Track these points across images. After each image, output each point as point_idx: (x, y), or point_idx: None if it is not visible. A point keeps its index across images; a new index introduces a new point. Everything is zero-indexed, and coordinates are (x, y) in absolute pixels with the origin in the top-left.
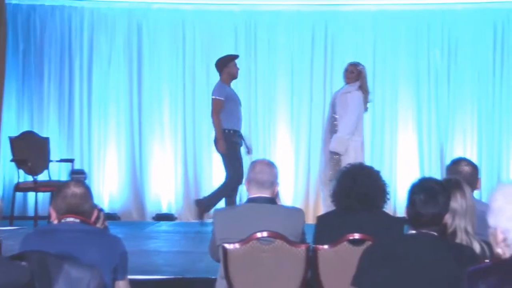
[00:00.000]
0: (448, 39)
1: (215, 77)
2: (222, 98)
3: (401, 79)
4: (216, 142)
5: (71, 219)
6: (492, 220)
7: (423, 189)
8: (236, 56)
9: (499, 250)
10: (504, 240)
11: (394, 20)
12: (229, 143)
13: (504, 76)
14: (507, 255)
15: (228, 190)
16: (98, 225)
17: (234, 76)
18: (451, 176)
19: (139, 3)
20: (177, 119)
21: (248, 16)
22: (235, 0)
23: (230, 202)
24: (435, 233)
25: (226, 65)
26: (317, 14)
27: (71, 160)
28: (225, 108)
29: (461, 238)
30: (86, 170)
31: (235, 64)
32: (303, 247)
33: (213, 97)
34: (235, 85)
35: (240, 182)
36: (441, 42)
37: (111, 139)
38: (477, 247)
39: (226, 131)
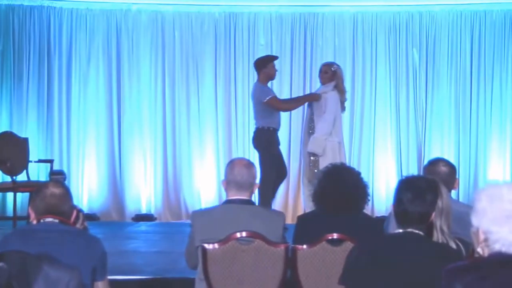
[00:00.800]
0: (426, 40)
1: (194, 77)
2: (272, 95)
3: (379, 79)
4: (257, 141)
5: (50, 219)
6: (475, 220)
7: (411, 187)
8: (275, 57)
9: (479, 250)
10: (485, 240)
11: (373, 20)
12: (269, 141)
13: (481, 76)
14: (487, 255)
15: (266, 188)
16: (78, 225)
17: (271, 77)
18: (428, 177)
19: (119, 3)
20: (156, 119)
21: (228, 17)
22: (215, 1)
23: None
24: (421, 233)
25: (266, 66)
26: (296, 15)
27: (50, 161)
28: (263, 108)
29: (437, 237)
30: (65, 170)
31: (274, 65)
32: (282, 247)
33: (264, 101)
34: (217, 87)
35: (280, 180)
36: (419, 42)
37: (90, 139)
38: (452, 246)
39: (266, 128)
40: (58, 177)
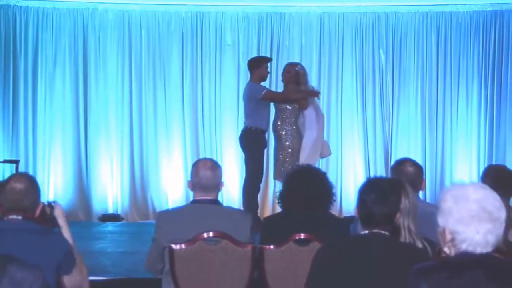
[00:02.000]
0: (392, 41)
1: (161, 76)
2: (265, 89)
3: (346, 79)
4: (245, 141)
5: (13, 217)
6: (441, 220)
7: (374, 189)
8: (269, 59)
9: (446, 249)
10: (452, 240)
11: (339, 21)
12: (255, 142)
13: (447, 77)
14: (453, 254)
15: (251, 191)
16: (60, 221)
17: (263, 79)
18: (393, 177)
19: (85, 3)
20: (123, 119)
21: (195, 17)
22: (181, 0)
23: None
24: (387, 233)
25: (259, 67)
26: (263, 15)
27: (15, 161)
28: (253, 107)
29: (404, 236)
30: (30, 170)
31: (267, 67)
32: (249, 247)
33: (260, 97)
34: (184, 87)
35: (259, 181)
36: (385, 43)
37: (56, 139)
38: (419, 245)
39: (253, 129)
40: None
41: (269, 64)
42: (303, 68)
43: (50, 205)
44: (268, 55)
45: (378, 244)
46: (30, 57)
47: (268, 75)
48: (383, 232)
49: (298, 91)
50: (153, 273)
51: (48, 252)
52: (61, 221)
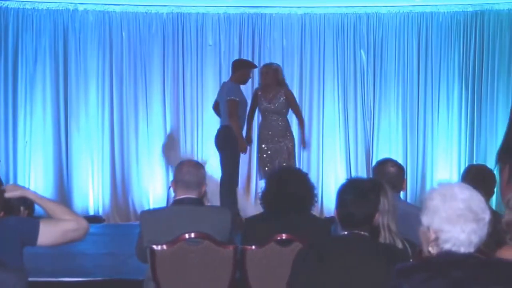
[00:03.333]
0: (373, 41)
1: (142, 77)
2: (236, 98)
3: (327, 80)
4: (223, 139)
5: None
6: (425, 219)
7: (353, 189)
8: (255, 67)
9: (429, 249)
10: (436, 239)
11: (321, 22)
12: (232, 141)
13: (428, 78)
14: (435, 254)
15: (228, 190)
16: (16, 194)
17: (243, 82)
18: (372, 177)
19: (65, 3)
20: (104, 120)
21: (176, 18)
22: (162, 1)
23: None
24: (366, 233)
25: (245, 69)
26: (244, 16)
27: None
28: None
29: (384, 236)
30: (11, 171)
31: (250, 73)
32: (231, 248)
33: (227, 99)
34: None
35: (236, 180)
36: (366, 44)
37: (37, 140)
38: (399, 245)
39: (230, 127)
40: None
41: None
42: (278, 65)
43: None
44: (250, 57)
45: (358, 245)
46: (10, 58)
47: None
48: (362, 232)
49: (238, 132)
50: (140, 261)
51: (3, 238)
52: (18, 193)
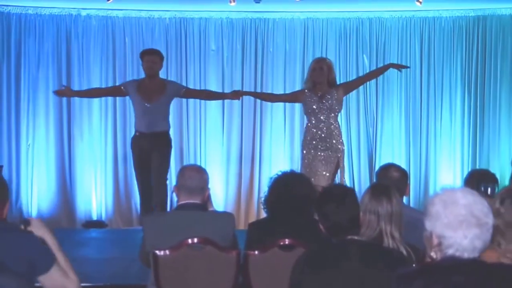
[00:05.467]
0: (376, 46)
1: None
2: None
3: None
4: None
5: None
6: (428, 224)
7: (330, 198)
8: (144, 53)
9: (432, 254)
10: (439, 245)
11: (323, 27)
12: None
13: (431, 82)
14: (439, 259)
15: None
16: (40, 233)
17: (144, 72)
18: (380, 181)
19: (68, 9)
20: (107, 125)
21: (179, 23)
22: (165, 6)
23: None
24: (358, 237)
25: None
26: (247, 21)
27: None
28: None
29: (387, 243)
30: (14, 176)
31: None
32: (233, 253)
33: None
34: None
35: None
36: (369, 48)
37: (40, 145)
38: (403, 252)
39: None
40: None
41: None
42: (330, 61)
43: (25, 221)
44: (253, 61)
45: (356, 250)
46: (13, 62)
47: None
48: (356, 237)
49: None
50: (144, 265)
51: (15, 249)
52: (41, 232)
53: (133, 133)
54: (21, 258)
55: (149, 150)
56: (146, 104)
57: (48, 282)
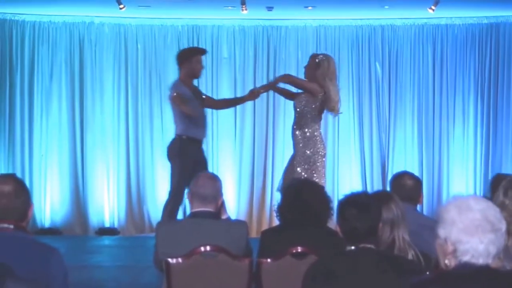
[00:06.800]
0: (388, 53)
1: (157, 90)
2: (176, 90)
3: (342, 93)
4: (171, 150)
5: (4, 225)
6: (442, 231)
7: (354, 203)
8: (202, 51)
9: (446, 262)
10: (454, 251)
11: (336, 34)
12: (181, 153)
13: (443, 89)
14: (453, 266)
15: (170, 207)
16: None
17: (194, 75)
18: (394, 190)
19: (81, 16)
20: (119, 132)
21: (191, 30)
22: (178, 14)
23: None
24: (373, 246)
25: (189, 59)
26: (259, 28)
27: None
28: (177, 112)
29: (399, 246)
30: (27, 184)
31: (200, 61)
32: (246, 261)
33: (169, 98)
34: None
35: (179, 202)
36: (381, 56)
37: (53, 153)
38: (410, 256)
39: (184, 137)
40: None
41: (203, 57)
42: (327, 59)
43: None
44: (265, 69)
45: (366, 259)
46: (26, 70)
47: (203, 71)
48: (368, 246)
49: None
50: (159, 270)
51: (39, 267)
52: None
53: (146, 139)
54: (42, 276)
55: (201, 159)
56: (202, 110)
57: None
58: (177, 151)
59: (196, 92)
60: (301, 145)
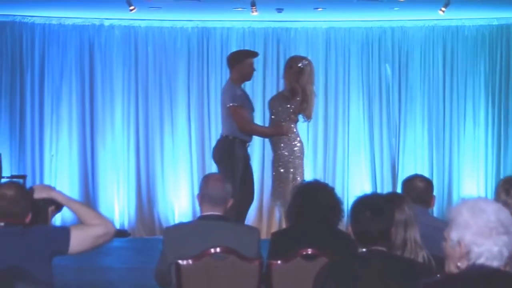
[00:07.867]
0: (398, 55)
1: (167, 92)
2: (236, 103)
3: (352, 94)
4: (219, 152)
5: (1, 224)
6: (455, 234)
7: (368, 206)
8: (255, 54)
9: (458, 264)
10: (468, 253)
11: (346, 36)
12: (230, 154)
13: (454, 91)
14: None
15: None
16: (44, 195)
17: (246, 77)
18: (406, 192)
19: (91, 19)
20: (129, 134)
21: (201, 32)
22: (187, 16)
23: None
24: (385, 249)
25: (240, 62)
26: (269, 30)
27: (23, 176)
28: (227, 113)
29: (410, 248)
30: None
31: (252, 63)
32: (256, 263)
33: (228, 106)
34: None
35: (246, 204)
36: (391, 58)
37: (63, 154)
38: (420, 258)
39: (230, 137)
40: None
41: (254, 60)
42: (309, 64)
43: (30, 190)
44: (275, 71)
45: (378, 262)
46: (36, 73)
47: (254, 74)
48: (380, 248)
49: (264, 132)
50: (159, 285)
51: (33, 248)
52: (45, 193)
53: (156, 141)
54: (42, 253)
55: (249, 163)
56: (252, 112)
57: (77, 248)
58: (226, 152)
59: (245, 93)
60: (277, 146)
